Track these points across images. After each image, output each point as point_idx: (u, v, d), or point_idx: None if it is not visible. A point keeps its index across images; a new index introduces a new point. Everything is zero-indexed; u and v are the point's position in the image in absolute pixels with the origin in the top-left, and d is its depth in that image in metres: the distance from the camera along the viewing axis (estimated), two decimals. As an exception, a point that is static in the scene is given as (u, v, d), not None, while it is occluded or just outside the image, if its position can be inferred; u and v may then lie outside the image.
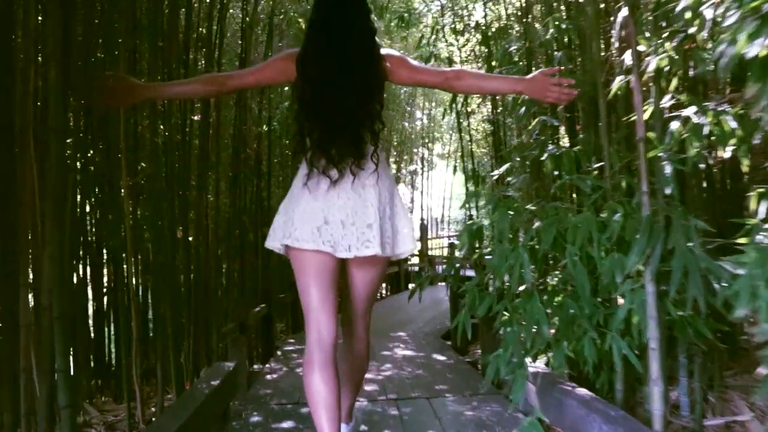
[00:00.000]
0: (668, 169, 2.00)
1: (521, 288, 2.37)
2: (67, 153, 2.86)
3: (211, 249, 4.96)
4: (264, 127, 6.67)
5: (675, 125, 1.99)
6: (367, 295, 2.14)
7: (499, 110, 5.12)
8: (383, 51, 2.07)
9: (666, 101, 2.20)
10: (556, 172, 2.81)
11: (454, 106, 4.97)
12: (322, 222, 1.94)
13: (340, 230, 1.94)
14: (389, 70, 2.05)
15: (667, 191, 2.00)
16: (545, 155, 2.78)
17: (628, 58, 2.13)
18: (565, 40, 3.36)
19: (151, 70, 4.04)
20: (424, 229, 14.57)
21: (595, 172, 2.71)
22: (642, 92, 2.18)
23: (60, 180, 1.93)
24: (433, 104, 12.98)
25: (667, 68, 2.06)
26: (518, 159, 3.22)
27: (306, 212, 1.95)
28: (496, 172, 3.20)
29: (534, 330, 2.35)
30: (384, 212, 2.00)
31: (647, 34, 2.17)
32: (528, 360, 2.46)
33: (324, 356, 1.94)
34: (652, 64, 2.07)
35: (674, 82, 2.23)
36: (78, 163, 3.62)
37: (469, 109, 6.58)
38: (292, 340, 5.75)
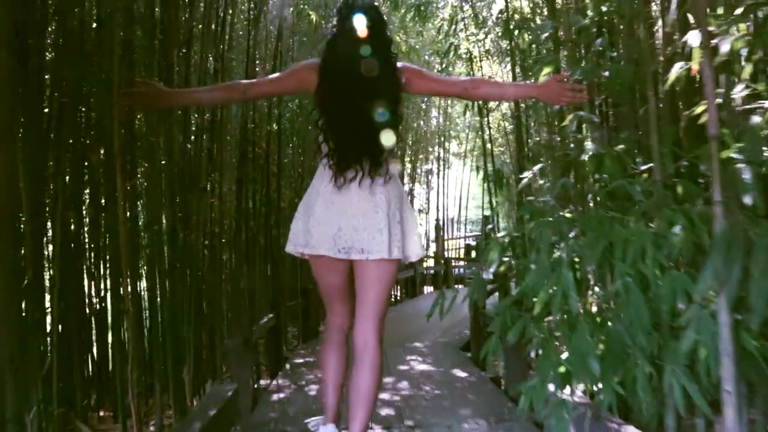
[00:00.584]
0: (747, 173, 1.64)
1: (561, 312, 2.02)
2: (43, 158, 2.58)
3: (216, 255, 4.66)
4: (274, 125, 6.36)
5: (756, 119, 1.63)
6: (375, 296, 2.16)
7: (522, 107, 4.75)
8: (399, 64, 2.15)
9: (738, 91, 1.84)
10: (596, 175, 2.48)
11: (474, 103, 4.60)
12: (336, 230, 2.07)
13: (353, 235, 2.06)
14: (407, 82, 2.12)
15: (746, 201, 1.64)
16: (584, 155, 2.44)
17: (693, 39, 1.77)
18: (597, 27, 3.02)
19: (149, 62, 3.75)
20: (439, 229, 14.16)
21: (645, 176, 2.35)
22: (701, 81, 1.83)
23: (6, 193, 1.61)
24: (450, 102, 12.59)
25: (743, 51, 1.70)
26: (549, 159, 2.87)
27: (321, 222, 2.08)
28: (525, 174, 2.84)
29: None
30: (393, 217, 2.11)
31: (719, 10, 1.81)
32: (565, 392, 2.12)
33: (339, 338, 2.26)
34: (724, 45, 1.71)
35: (748, 69, 1.86)
36: (66, 168, 3.34)
37: (490, 106, 6.22)
38: (302, 352, 5.42)
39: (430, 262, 13.09)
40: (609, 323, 1.98)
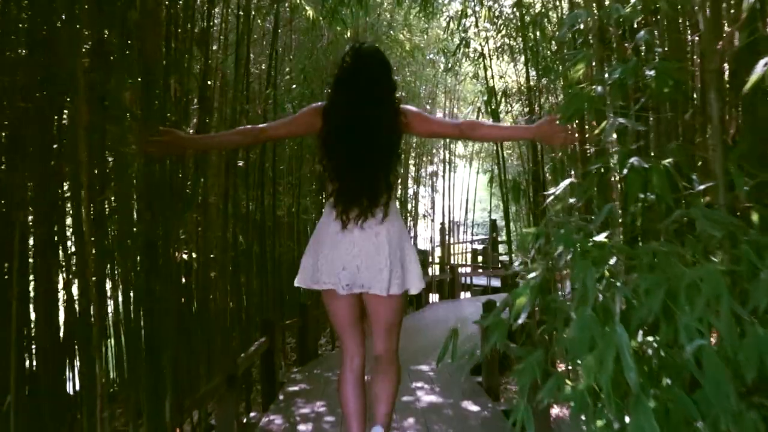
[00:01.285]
0: None
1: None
2: None
3: (200, 273, 4.24)
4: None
5: None
6: (384, 321, 2.29)
7: (541, 108, 4.32)
8: (402, 107, 2.26)
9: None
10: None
11: (489, 104, 4.16)
12: (340, 269, 2.19)
13: (357, 273, 2.19)
14: (407, 124, 2.24)
15: None
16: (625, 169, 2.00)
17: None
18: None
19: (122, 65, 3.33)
20: (444, 233, 13.70)
21: (706, 198, 1.92)
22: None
23: None
24: (455, 102, 12.16)
25: None
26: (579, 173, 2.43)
27: (327, 260, 2.21)
28: (552, 191, 2.39)
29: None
30: (395, 255, 2.22)
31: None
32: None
33: (354, 375, 2.32)
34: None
35: None
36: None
37: (506, 105, 5.78)
38: (299, 378, 4.99)
39: (435, 269, 12.62)
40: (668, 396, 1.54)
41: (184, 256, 3.92)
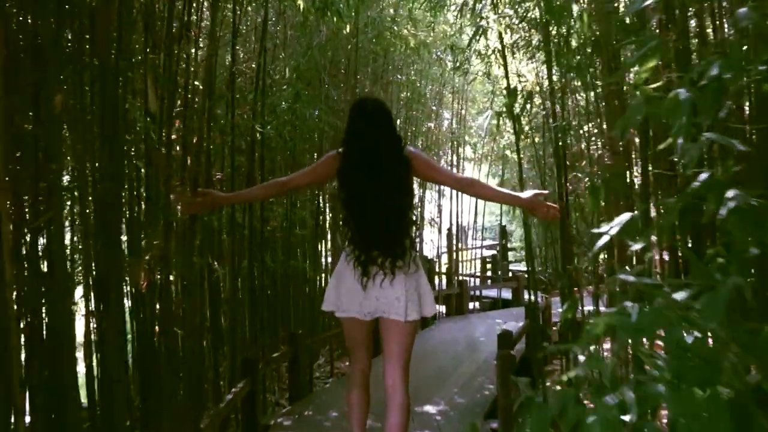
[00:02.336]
0: None
1: None
2: None
3: (163, 307, 3.60)
4: (257, 135, 5.29)
5: None
6: (399, 348, 2.53)
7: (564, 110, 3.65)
8: (411, 149, 2.55)
9: None
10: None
11: (511, 108, 3.47)
12: (362, 299, 2.50)
13: (376, 303, 2.49)
14: (414, 168, 2.50)
15: None
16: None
17: None
18: None
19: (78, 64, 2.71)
20: (451, 239, 12.95)
21: None
22: None
23: None
24: (464, 103, 11.48)
25: None
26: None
27: (348, 292, 2.53)
28: (607, 228, 1.70)
29: None
30: (411, 288, 2.50)
31: None
32: None
33: (363, 381, 2.63)
34: None
35: None
36: None
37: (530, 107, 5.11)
38: (287, 423, 4.32)
39: (442, 278, 11.90)
40: None
41: (140, 289, 3.28)
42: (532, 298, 6.04)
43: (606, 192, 2.66)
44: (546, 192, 2.70)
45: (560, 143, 4.20)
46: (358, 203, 2.45)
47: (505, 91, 4.18)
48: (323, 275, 7.22)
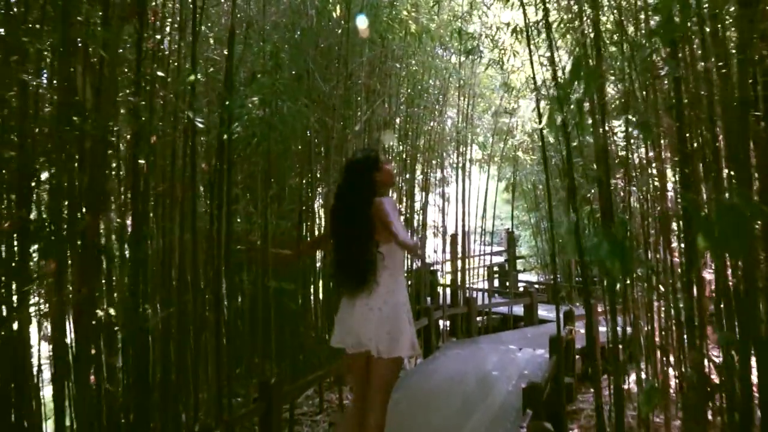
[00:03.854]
0: None
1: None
2: None
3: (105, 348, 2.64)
4: (224, 135, 4.32)
5: None
6: (374, 386, 2.92)
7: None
8: (376, 201, 2.91)
9: None
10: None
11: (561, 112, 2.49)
12: (346, 333, 2.99)
13: (358, 336, 2.93)
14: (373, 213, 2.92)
15: None
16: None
17: None
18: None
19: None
20: (455, 244, 11.80)
21: None
22: None
23: None
24: (470, 99, 10.48)
25: None
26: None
27: (341, 323, 3.04)
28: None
29: None
30: (384, 325, 2.89)
31: None
32: None
33: (358, 405, 3.06)
34: None
35: None
36: None
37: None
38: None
39: (447, 291, 10.90)
40: None
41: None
42: (555, 325, 5.02)
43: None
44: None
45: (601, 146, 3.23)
46: (337, 247, 3.07)
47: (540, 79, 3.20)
48: (311, 298, 6.24)
